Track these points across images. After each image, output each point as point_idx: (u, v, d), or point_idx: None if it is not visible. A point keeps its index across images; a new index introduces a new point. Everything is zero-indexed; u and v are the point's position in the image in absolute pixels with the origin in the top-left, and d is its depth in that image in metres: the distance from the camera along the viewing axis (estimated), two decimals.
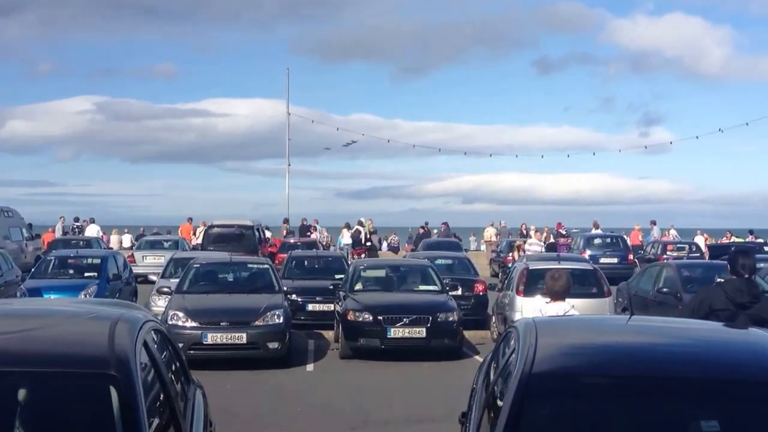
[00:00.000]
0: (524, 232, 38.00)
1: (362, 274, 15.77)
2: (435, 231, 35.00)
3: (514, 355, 4.30)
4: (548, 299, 8.00)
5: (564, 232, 34.40)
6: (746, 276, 6.72)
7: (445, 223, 34.64)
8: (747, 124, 39.60)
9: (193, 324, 12.83)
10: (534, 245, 23.66)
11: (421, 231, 33.31)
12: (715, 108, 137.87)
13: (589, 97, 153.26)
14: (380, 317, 13.52)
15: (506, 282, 16.28)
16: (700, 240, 32.02)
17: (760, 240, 33.27)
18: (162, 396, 4.31)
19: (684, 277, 15.83)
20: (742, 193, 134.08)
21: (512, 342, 4.67)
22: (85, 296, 15.68)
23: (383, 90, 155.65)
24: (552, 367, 3.95)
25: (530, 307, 13.32)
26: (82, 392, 3.79)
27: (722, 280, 7.28)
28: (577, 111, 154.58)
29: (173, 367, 5.11)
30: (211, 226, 26.06)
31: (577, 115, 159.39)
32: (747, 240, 34.82)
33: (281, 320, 13.01)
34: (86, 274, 17.53)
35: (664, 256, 27.25)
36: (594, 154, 62.38)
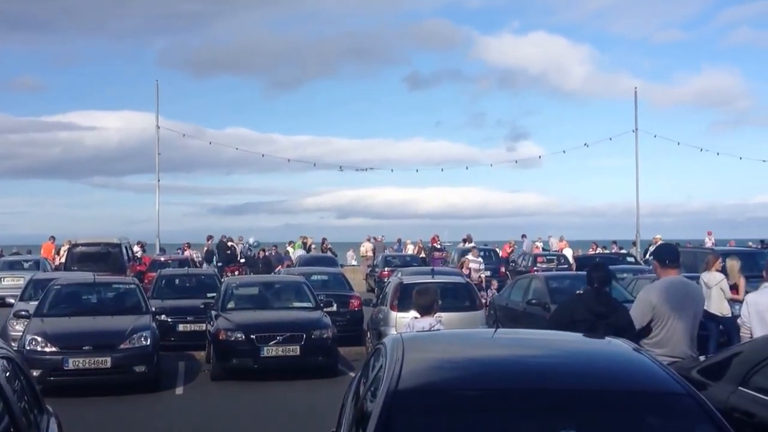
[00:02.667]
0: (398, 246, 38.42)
1: (234, 292, 15.43)
2: (313, 246, 35.01)
3: (381, 372, 4.26)
4: (417, 314, 8.04)
5: (439, 246, 34.89)
6: (600, 287, 7.02)
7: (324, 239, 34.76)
8: (611, 138, 41.37)
9: (53, 349, 12.18)
10: (474, 263, 23.97)
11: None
12: (581, 123, 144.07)
13: (461, 112, 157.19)
14: (253, 336, 13.23)
15: (381, 297, 16.29)
16: (568, 252, 33.16)
17: (624, 251, 34.83)
18: (12, 428, 4.04)
19: (552, 289, 16.28)
20: (607, 205, 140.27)
21: (380, 358, 4.62)
22: None
23: (258, 104, 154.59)
24: (418, 382, 3.93)
25: (404, 323, 13.46)
26: None
27: (581, 292, 7.56)
28: (449, 126, 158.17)
29: (25, 397, 4.78)
30: (75, 245, 24.95)
31: (449, 130, 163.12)
32: (612, 251, 36.37)
33: (148, 342, 12.53)
34: None
35: (535, 268, 28.07)
36: (467, 168, 63.48)
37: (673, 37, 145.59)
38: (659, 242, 34.45)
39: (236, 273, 27.17)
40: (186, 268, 23.80)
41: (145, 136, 41.24)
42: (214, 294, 16.27)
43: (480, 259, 25.55)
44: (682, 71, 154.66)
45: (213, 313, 14.62)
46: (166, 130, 37.74)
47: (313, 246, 35.12)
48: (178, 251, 33.93)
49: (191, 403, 12.01)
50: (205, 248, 32.43)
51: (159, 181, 36.40)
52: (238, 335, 13.32)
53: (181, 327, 16.50)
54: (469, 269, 23.08)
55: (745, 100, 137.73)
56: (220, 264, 29.45)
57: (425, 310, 7.80)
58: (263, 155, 43.83)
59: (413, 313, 14.13)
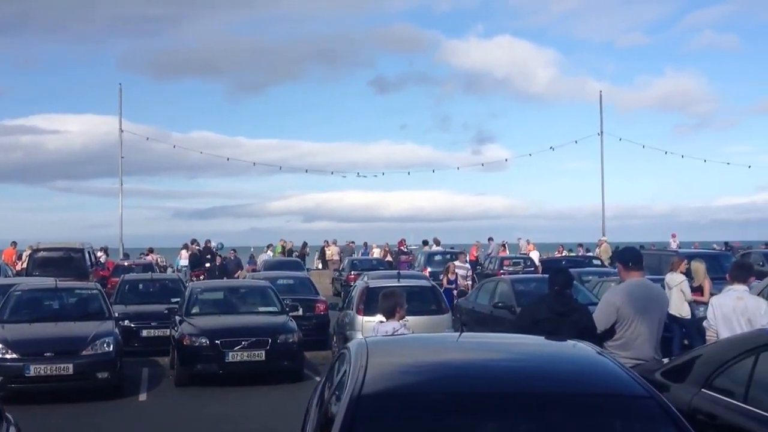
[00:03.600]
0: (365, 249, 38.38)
1: (199, 297, 15.31)
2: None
3: (345, 376, 4.24)
4: (383, 318, 8.04)
5: (405, 249, 34.90)
6: (561, 289, 7.23)
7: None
8: (576, 142, 41.83)
9: (14, 356, 11.97)
10: (460, 269, 23.55)
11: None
12: (546, 127, 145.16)
13: (427, 115, 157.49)
14: (218, 341, 13.12)
15: (347, 301, 16.24)
16: (534, 254, 33.35)
17: (590, 253, 35.09)
18: None
19: (518, 292, 16.34)
20: (572, 208, 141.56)
21: (345, 363, 4.61)
22: None
23: (223, 107, 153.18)
24: (382, 387, 3.91)
25: (370, 327, 13.41)
26: None
27: (543, 294, 7.73)
28: (415, 129, 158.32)
29: None
30: (37, 250, 24.55)
31: (416, 134, 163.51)
32: (578, 253, 36.66)
33: (111, 348, 12.36)
34: None
35: (501, 271, 28.17)
36: (434, 171, 63.73)
37: (637, 41, 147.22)
38: (604, 244, 35.01)
39: (201, 278, 26.94)
40: (150, 273, 23.54)
41: (108, 139, 40.81)
42: (179, 299, 16.12)
43: (467, 265, 25.12)
44: (646, 75, 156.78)
45: (177, 318, 14.50)
46: (130, 134, 37.44)
47: (293, 249, 35.14)
48: (141, 256, 33.61)
49: (155, 409, 11.86)
50: (189, 252, 32.24)
51: (122, 185, 36.14)
52: (203, 340, 13.20)
53: (144, 332, 16.33)
54: (456, 275, 22.53)
55: (708, 104, 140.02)
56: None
57: (389, 314, 7.81)
58: (228, 159, 43.50)
59: (379, 317, 14.17)
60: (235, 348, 13.11)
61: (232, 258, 28.95)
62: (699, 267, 14.68)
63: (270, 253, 33.98)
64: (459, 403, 3.77)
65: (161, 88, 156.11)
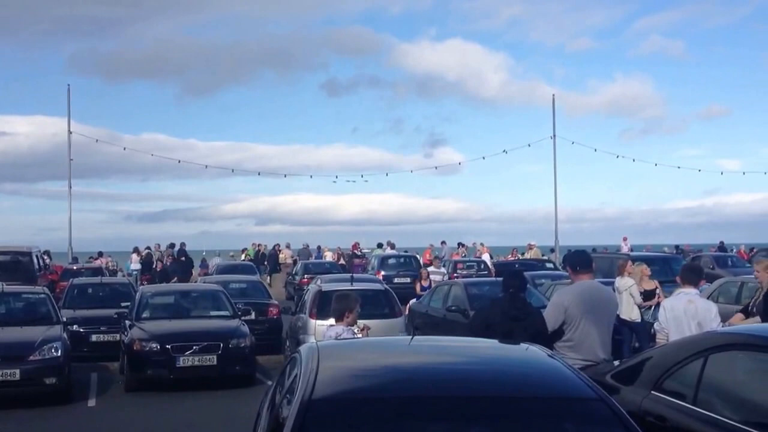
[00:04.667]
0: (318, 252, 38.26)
1: (150, 301, 15.07)
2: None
3: (296, 381, 4.19)
4: (333, 321, 8.02)
5: (359, 253, 34.87)
6: (515, 293, 7.22)
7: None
8: (529, 145, 42.06)
9: None
10: (436, 274, 23.12)
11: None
12: (499, 130, 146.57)
13: (380, 118, 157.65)
14: (168, 346, 12.94)
15: (300, 305, 16.13)
16: (486, 257, 33.54)
17: (545, 257, 35.42)
18: None
19: (471, 295, 16.40)
20: (525, 211, 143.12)
21: (295, 367, 4.56)
22: None
23: (175, 109, 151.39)
24: (332, 391, 3.88)
25: (323, 330, 13.33)
26: None
27: (497, 298, 7.73)
28: (368, 133, 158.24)
29: None
30: None
31: (369, 137, 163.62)
32: (507, 258, 36.93)
33: (59, 353, 12.12)
34: None
35: (455, 275, 28.27)
36: (387, 174, 63.46)
37: (587, 46, 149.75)
38: (533, 248, 35.43)
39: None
40: (99, 277, 23.13)
41: (57, 141, 39.90)
42: (129, 303, 15.86)
43: (443, 270, 24.73)
44: (596, 79, 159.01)
45: (127, 323, 14.27)
46: (79, 136, 36.69)
47: (266, 253, 34.96)
48: (91, 259, 33.06)
49: (104, 415, 11.66)
50: (170, 257, 31.85)
51: (71, 187, 35.32)
52: (153, 345, 13.01)
53: (94, 337, 16.06)
54: (429, 281, 22.01)
55: (656, 108, 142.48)
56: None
57: (338, 317, 7.80)
58: (179, 161, 42.88)
59: (331, 321, 14.11)
60: (186, 353, 12.95)
61: (169, 263, 28.47)
62: (641, 270, 14.82)
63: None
64: (410, 407, 3.75)
65: (112, 90, 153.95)
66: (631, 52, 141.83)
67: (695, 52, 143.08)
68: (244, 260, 35.56)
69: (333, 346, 5.43)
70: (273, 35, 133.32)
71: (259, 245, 37.75)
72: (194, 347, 13.01)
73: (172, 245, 32.07)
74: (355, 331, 8.05)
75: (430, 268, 23.93)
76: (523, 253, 35.75)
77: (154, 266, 29.78)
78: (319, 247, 39.54)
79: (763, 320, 8.77)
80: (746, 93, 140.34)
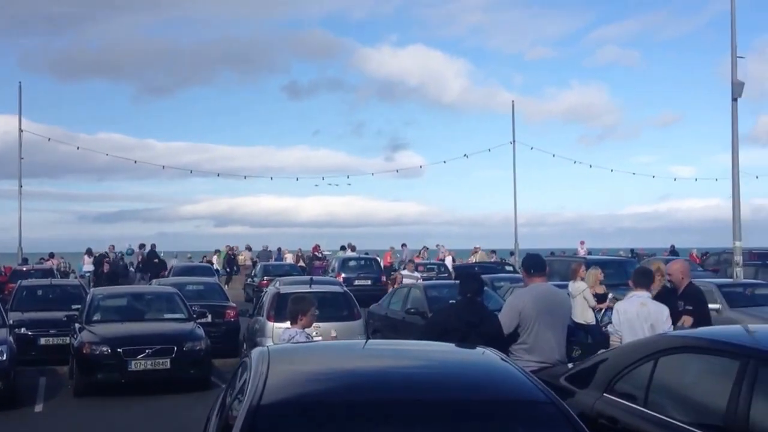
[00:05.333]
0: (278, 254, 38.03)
1: (101, 303, 14.78)
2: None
3: (245, 385, 4.12)
4: (289, 323, 7.93)
5: (319, 255, 34.73)
6: (473, 297, 7.16)
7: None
8: (489, 150, 42.38)
9: None
10: (409, 278, 22.73)
11: None
12: (460, 135, 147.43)
13: (341, 121, 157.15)
14: (120, 349, 12.68)
15: (258, 307, 15.96)
16: (448, 260, 33.60)
17: (494, 260, 35.54)
18: None
19: (430, 297, 16.39)
20: (485, 215, 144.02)
21: (246, 371, 4.49)
22: None
23: (132, 109, 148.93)
24: (282, 396, 3.82)
25: (281, 333, 13.20)
26: None
27: (454, 302, 7.67)
28: (329, 135, 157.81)
29: None
30: None
31: (330, 140, 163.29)
32: (491, 260, 37.12)
33: (5, 357, 11.84)
34: None
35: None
36: (348, 177, 63.38)
37: (545, 54, 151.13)
38: (479, 251, 35.63)
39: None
40: (50, 278, 22.63)
41: (7, 139, 38.85)
42: (80, 306, 15.54)
43: (417, 274, 24.47)
44: (553, 87, 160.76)
45: (77, 325, 13.98)
46: (30, 134, 36.03)
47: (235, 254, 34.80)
48: (42, 260, 32.46)
49: (52, 420, 11.39)
50: (139, 257, 31.45)
51: (22, 186, 34.60)
52: (104, 348, 12.74)
53: (42, 341, 15.69)
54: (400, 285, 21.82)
55: (611, 115, 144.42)
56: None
57: (292, 320, 7.72)
58: (135, 162, 42.26)
59: (288, 323, 13.97)
60: (139, 356, 12.71)
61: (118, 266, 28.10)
62: (593, 274, 14.91)
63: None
64: (361, 412, 3.72)
65: (66, 89, 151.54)
66: (587, 61, 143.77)
67: (649, 61, 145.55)
68: (214, 263, 35.45)
69: (284, 350, 5.39)
70: (234, 37, 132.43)
71: (231, 248, 37.43)
72: (147, 351, 12.78)
73: (142, 246, 31.76)
74: (313, 334, 7.97)
75: (405, 272, 23.80)
76: (461, 258, 35.96)
77: (101, 268, 29.24)
78: (279, 249, 39.30)
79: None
80: (697, 102, 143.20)
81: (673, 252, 38.68)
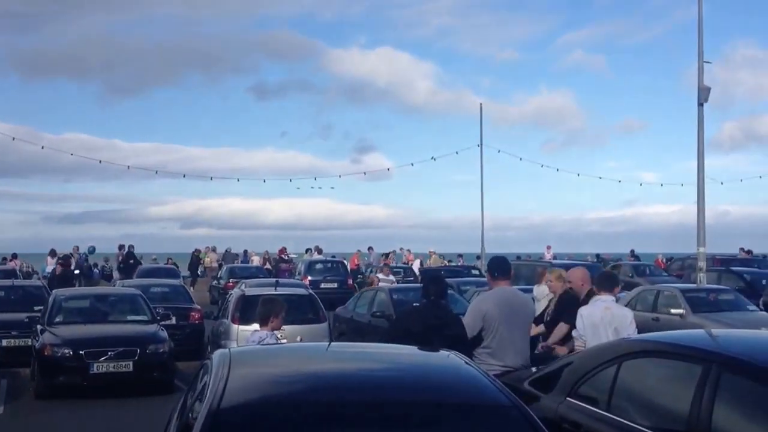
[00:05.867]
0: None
1: (63, 305, 14.57)
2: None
3: (206, 388, 4.04)
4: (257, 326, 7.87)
5: (286, 258, 34.59)
6: (437, 299, 7.13)
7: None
8: (457, 153, 42.39)
9: None
10: (385, 282, 22.48)
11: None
12: (428, 138, 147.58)
13: (309, 123, 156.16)
14: (82, 351, 12.51)
15: (223, 309, 15.84)
16: (415, 265, 33.66)
17: (476, 266, 35.66)
18: None
19: (396, 301, 16.41)
20: (452, 218, 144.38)
21: (206, 374, 4.41)
22: None
23: (98, 109, 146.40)
24: (242, 399, 3.76)
25: (245, 336, 13.09)
26: None
27: (417, 305, 7.65)
28: (297, 137, 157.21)
29: None
30: None
31: (298, 141, 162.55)
32: (458, 264, 37.23)
33: None
34: None
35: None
36: (315, 179, 62.97)
37: (513, 58, 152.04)
38: (433, 255, 35.74)
39: (75, 284, 25.74)
40: (12, 279, 22.23)
41: None
42: (42, 307, 15.30)
43: (392, 278, 24.37)
44: (521, 91, 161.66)
45: (39, 327, 13.77)
46: None
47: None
48: (4, 261, 31.97)
49: (13, 423, 11.22)
50: (119, 257, 31.02)
51: None
52: (66, 351, 12.56)
53: (4, 342, 15.42)
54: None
55: (577, 120, 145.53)
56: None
57: (262, 322, 7.67)
58: (101, 161, 41.60)
59: (256, 326, 13.87)
60: (101, 359, 12.54)
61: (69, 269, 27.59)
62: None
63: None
64: (322, 414, 3.67)
65: (32, 88, 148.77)
66: (554, 66, 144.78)
67: (615, 67, 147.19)
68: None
69: (246, 353, 5.34)
70: (201, 37, 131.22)
71: (197, 250, 37.12)
72: (109, 353, 12.61)
73: (121, 247, 31.54)
74: (279, 336, 7.90)
75: (380, 275, 23.69)
76: (422, 262, 36.07)
77: (53, 269, 28.76)
78: (245, 251, 39.07)
79: (549, 330, 8.76)
80: (663, 108, 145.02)
81: (634, 256, 39.11)
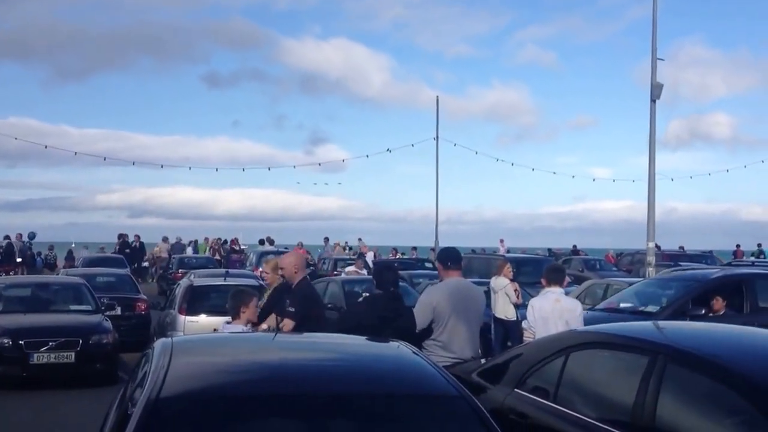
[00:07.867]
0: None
1: (2, 293, 14.24)
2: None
3: (145, 378, 3.96)
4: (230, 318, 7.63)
5: (237, 248, 34.29)
6: (391, 290, 7.07)
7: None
8: (413, 145, 42.54)
9: None
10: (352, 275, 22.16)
11: None
12: (383, 130, 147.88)
13: (262, 113, 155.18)
14: (21, 341, 12.21)
15: (170, 300, 15.58)
16: (370, 256, 33.56)
17: (429, 259, 35.71)
18: None
19: (348, 292, 16.35)
20: (406, 211, 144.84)
21: (147, 363, 4.31)
22: None
23: (44, 94, 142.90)
24: (182, 389, 3.69)
25: (192, 327, 12.88)
26: None
27: (368, 295, 7.54)
28: (250, 126, 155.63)
29: None
30: None
31: (252, 131, 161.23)
32: (412, 257, 37.24)
33: None
34: None
35: (335, 272, 28.12)
36: (269, 169, 62.26)
37: (468, 53, 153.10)
38: (368, 252, 35.87)
39: (11, 273, 25.19)
40: None
41: None
42: None
43: (365, 272, 24.31)
44: (475, 85, 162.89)
45: None
46: None
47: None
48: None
49: None
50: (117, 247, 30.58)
51: None
52: (4, 340, 12.25)
53: None
54: None
55: (530, 116, 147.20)
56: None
57: (234, 315, 7.44)
58: (46, 147, 40.60)
59: (204, 317, 13.67)
60: (42, 349, 12.24)
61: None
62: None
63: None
64: (264, 405, 3.61)
65: None
66: (508, 61, 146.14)
67: (567, 63, 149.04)
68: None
69: (189, 342, 5.25)
70: (152, 22, 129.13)
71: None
72: (50, 343, 12.32)
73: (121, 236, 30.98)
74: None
75: (352, 268, 23.58)
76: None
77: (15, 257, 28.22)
78: (196, 241, 38.63)
79: (260, 320, 7.98)
80: (614, 105, 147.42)
81: (575, 252, 39.61)
